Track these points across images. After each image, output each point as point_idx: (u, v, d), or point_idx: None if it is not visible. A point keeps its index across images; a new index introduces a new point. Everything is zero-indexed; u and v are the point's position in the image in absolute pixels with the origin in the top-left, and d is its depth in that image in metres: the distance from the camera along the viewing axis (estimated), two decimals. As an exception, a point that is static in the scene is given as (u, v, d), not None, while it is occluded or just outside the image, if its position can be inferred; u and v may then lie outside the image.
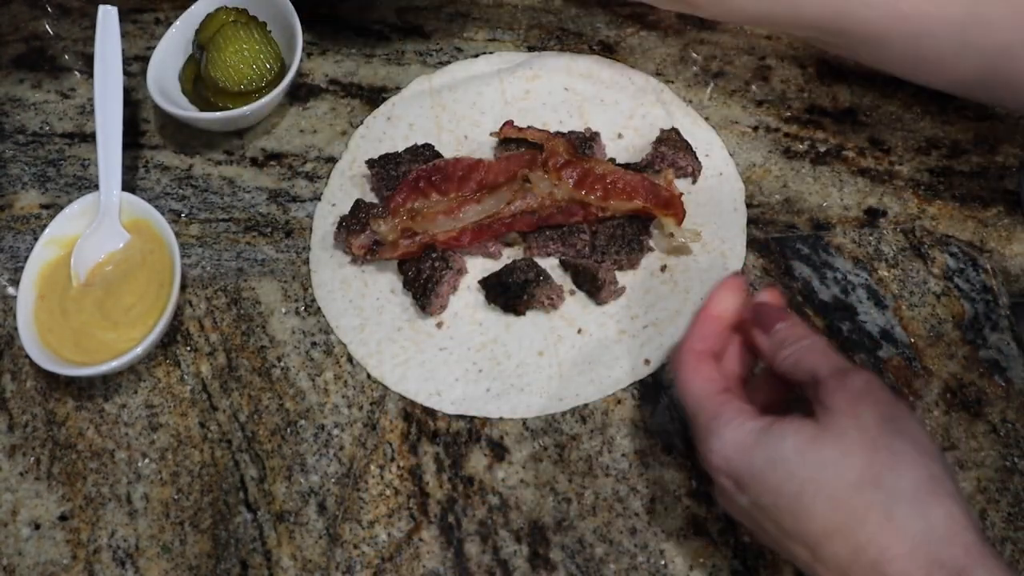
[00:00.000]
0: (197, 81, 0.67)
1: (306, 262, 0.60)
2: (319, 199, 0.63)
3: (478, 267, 0.59)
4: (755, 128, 0.64)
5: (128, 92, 0.69)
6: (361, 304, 0.58)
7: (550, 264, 0.58)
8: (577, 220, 0.57)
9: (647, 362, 0.54)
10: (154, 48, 0.66)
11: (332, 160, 0.65)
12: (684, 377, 0.44)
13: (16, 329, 0.55)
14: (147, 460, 0.54)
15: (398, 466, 0.52)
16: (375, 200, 0.61)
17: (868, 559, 0.36)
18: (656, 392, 0.54)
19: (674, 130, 0.61)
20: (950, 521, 0.36)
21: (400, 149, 0.62)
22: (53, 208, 0.64)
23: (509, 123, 0.62)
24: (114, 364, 0.53)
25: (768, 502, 0.39)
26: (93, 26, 0.63)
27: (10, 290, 0.61)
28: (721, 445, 0.40)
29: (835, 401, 0.39)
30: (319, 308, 0.58)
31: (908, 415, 0.39)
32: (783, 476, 0.38)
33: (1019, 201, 0.59)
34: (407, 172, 0.60)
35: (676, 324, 0.55)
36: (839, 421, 0.38)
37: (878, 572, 0.36)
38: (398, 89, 0.68)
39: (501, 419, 0.53)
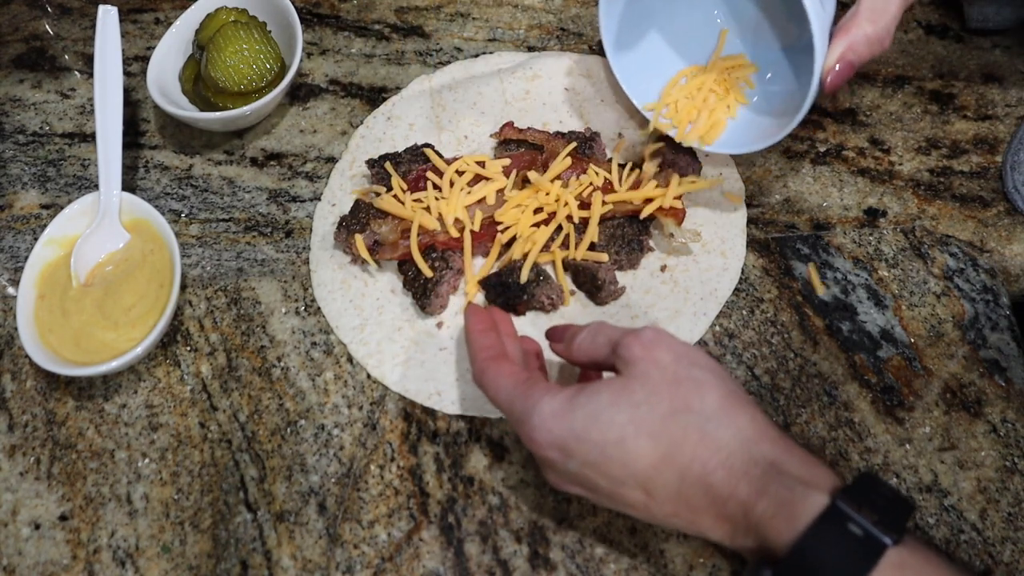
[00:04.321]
0: (197, 81, 0.67)
1: (306, 262, 0.60)
2: (319, 199, 0.63)
3: (478, 267, 0.59)
4: (755, 128, 0.64)
5: (128, 92, 0.69)
6: (361, 304, 0.58)
7: (550, 264, 0.58)
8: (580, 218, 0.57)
9: (647, 362, 0.54)
10: (154, 48, 0.66)
11: (332, 160, 0.65)
12: (488, 381, 0.46)
13: (16, 329, 0.55)
14: (147, 460, 0.54)
15: (398, 466, 0.52)
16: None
17: (694, 476, 0.40)
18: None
19: (674, 130, 0.61)
20: (754, 424, 0.41)
21: (400, 149, 0.62)
22: (53, 208, 0.64)
23: (509, 124, 0.62)
24: (114, 364, 0.53)
25: (595, 457, 0.41)
26: (93, 26, 0.63)
27: (10, 290, 0.61)
28: (541, 420, 0.42)
29: (633, 353, 0.43)
30: (319, 308, 0.58)
31: (696, 350, 0.44)
32: (604, 427, 0.41)
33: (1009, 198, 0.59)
34: (407, 172, 0.60)
35: (676, 324, 0.55)
36: (641, 368, 0.42)
37: (704, 485, 0.40)
38: (398, 89, 0.68)
39: (501, 419, 0.53)
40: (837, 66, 0.51)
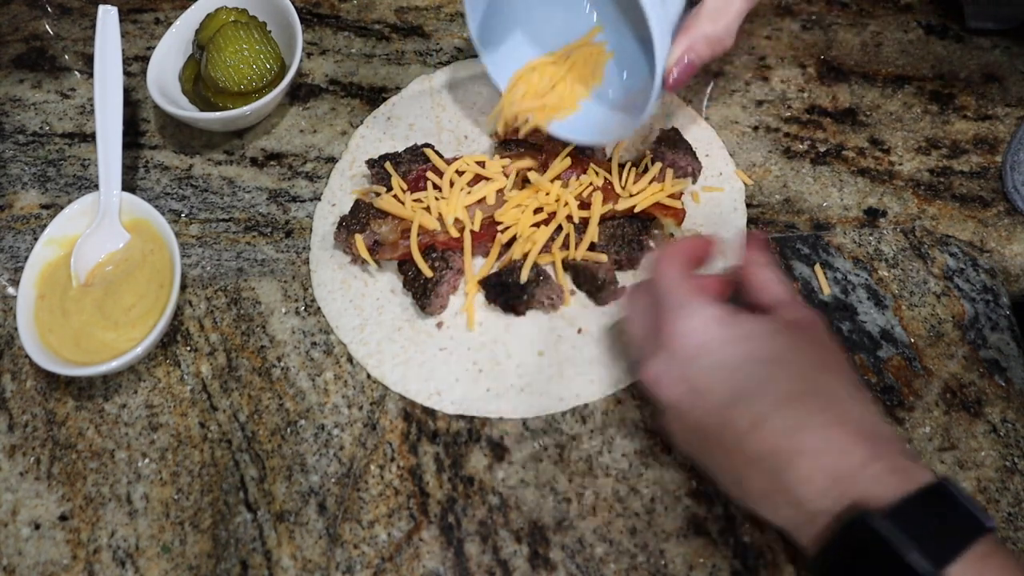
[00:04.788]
0: (197, 81, 0.67)
1: (306, 262, 0.60)
2: (319, 199, 0.63)
3: (478, 267, 0.59)
4: (755, 128, 0.64)
5: (128, 92, 0.69)
6: (361, 304, 0.58)
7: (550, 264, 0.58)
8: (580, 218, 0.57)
9: (647, 362, 0.54)
10: (154, 48, 0.66)
11: (332, 160, 0.65)
12: (662, 261, 0.47)
13: (16, 329, 0.55)
14: (147, 460, 0.54)
15: (398, 466, 0.52)
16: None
17: (816, 423, 0.40)
18: (656, 392, 0.54)
19: (674, 130, 0.61)
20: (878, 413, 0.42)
21: (400, 149, 0.62)
22: (53, 208, 0.64)
23: (509, 123, 0.62)
24: (114, 364, 0.53)
25: (734, 362, 0.42)
26: (93, 26, 0.63)
27: (10, 290, 0.61)
28: (700, 314, 0.44)
29: (801, 314, 0.45)
30: (319, 308, 0.58)
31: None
32: (757, 344, 0.43)
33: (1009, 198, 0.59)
34: (407, 172, 0.60)
35: (676, 324, 0.55)
36: (805, 324, 0.45)
37: (824, 436, 0.39)
38: (398, 89, 0.68)
39: (501, 419, 0.53)
40: (676, 69, 0.51)
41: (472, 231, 0.57)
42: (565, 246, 0.57)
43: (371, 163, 0.61)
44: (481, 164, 0.59)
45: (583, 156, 0.60)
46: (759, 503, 0.41)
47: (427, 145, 0.61)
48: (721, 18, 0.52)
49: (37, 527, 0.52)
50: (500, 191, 0.58)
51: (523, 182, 0.59)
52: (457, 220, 0.57)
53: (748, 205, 0.60)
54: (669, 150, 0.59)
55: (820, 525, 0.39)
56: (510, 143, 0.62)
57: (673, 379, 0.44)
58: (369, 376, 0.55)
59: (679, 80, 0.52)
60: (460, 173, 0.59)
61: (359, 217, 0.58)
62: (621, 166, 0.59)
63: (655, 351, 0.45)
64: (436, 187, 0.59)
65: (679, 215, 0.57)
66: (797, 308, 0.46)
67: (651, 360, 0.45)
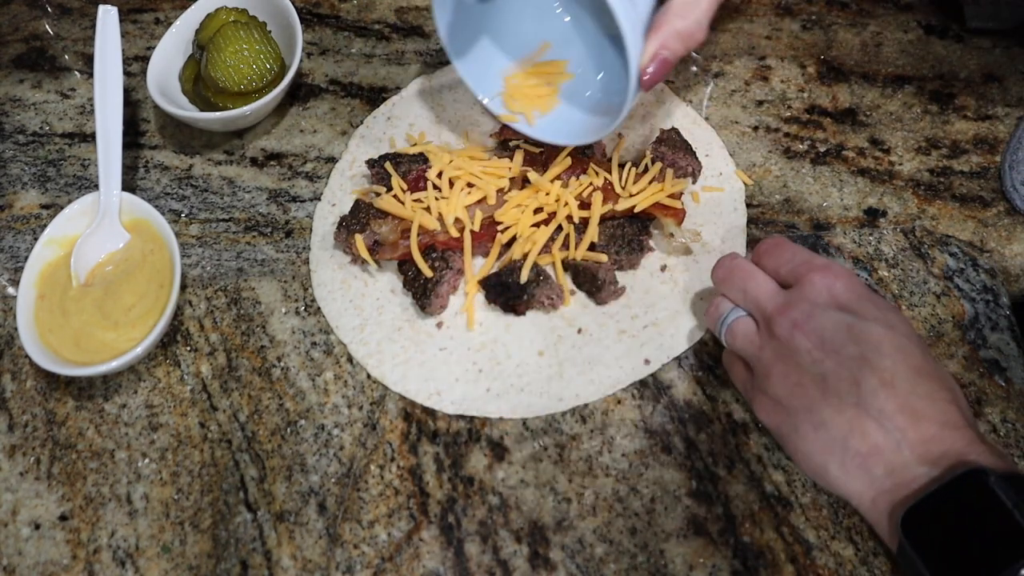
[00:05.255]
0: (197, 81, 0.67)
1: (306, 262, 0.60)
2: (319, 199, 0.63)
3: (478, 267, 0.59)
4: (755, 128, 0.64)
5: (128, 92, 0.69)
6: (361, 304, 0.58)
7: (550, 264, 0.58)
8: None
9: (647, 362, 0.54)
10: (154, 48, 0.66)
11: (332, 160, 0.65)
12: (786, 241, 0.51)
13: (16, 329, 0.55)
14: (147, 460, 0.54)
15: (398, 466, 0.52)
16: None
17: (944, 396, 0.42)
18: (656, 392, 0.53)
19: (674, 130, 0.61)
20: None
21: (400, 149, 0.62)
22: (53, 208, 0.64)
23: (509, 123, 0.62)
24: (114, 364, 0.53)
25: (866, 312, 0.45)
26: (93, 26, 0.63)
27: (10, 290, 0.61)
28: (840, 266, 0.47)
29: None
30: (319, 308, 0.58)
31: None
32: (883, 304, 0.46)
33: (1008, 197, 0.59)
34: (407, 172, 0.60)
35: (676, 324, 0.55)
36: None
37: (941, 410, 0.42)
38: (398, 89, 0.68)
39: (501, 419, 0.53)
40: (651, 66, 0.51)
41: (472, 231, 0.57)
42: (565, 246, 0.57)
43: (371, 163, 0.61)
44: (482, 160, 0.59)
45: (583, 156, 0.60)
46: (850, 463, 0.43)
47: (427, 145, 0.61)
48: (691, 13, 0.52)
49: (37, 527, 0.52)
50: (500, 191, 0.58)
51: (523, 182, 0.59)
52: (457, 220, 0.57)
53: (748, 205, 0.60)
54: (669, 150, 0.59)
55: (919, 484, 0.40)
56: (510, 143, 0.62)
57: (809, 328, 0.45)
58: (369, 376, 0.55)
59: (654, 77, 0.52)
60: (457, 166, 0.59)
61: (359, 217, 0.58)
62: (621, 166, 0.59)
63: (789, 302, 0.46)
64: (436, 187, 0.59)
65: (679, 215, 0.57)
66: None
67: (786, 310, 0.46)
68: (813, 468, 0.44)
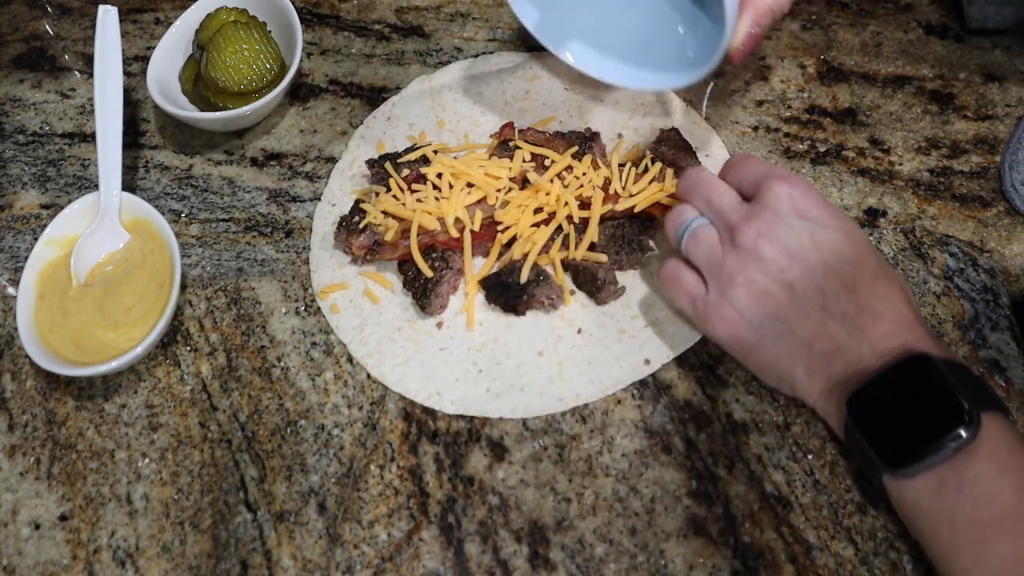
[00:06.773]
0: (197, 81, 0.67)
1: (306, 262, 0.60)
2: (319, 199, 0.63)
3: (478, 267, 0.59)
4: (755, 128, 0.64)
5: (128, 92, 0.69)
6: (361, 304, 0.58)
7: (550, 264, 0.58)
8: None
9: (647, 362, 0.54)
10: (154, 48, 0.66)
11: (332, 160, 0.65)
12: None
13: (16, 329, 0.55)
14: (147, 460, 0.54)
15: (398, 466, 0.52)
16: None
17: (901, 297, 0.46)
18: (656, 392, 0.53)
19: (674, 130, 0.61)
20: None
21: (400, 149, 0.62)
22: (53, 208, 0.64)
23: (509, 124, 0.62)
24: (114, 364, 0.53)
25: (819, 219, 0.47)
26: (93, 26, 0.63)
27: (10, 290, 0.61)
28: (797, 178, 0.49)
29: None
30: (319, 308, 0.58)
31: None
32: (836, 211, 0.48)
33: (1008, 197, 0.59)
34: (409, 169, 0.60)
35: (676, 324, 0.55)
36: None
37: (901, 307, 0.46)
38: (398, 89, 0.68)
39: (501, 419, 0.53)
40: (744, 41, 0.52)
41: (472, 231, 0.57)
42: (565, 246, 0.57)
43: (371, 163, 0.61)
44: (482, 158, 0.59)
45: (583, 155, 0.59)
46: (816, 364, 0.46)
47: (427, 145, 0.61)
48: None
49: (37, 527, 0.52)
50: (500, 191, 0.58)
51: (523, 182, 0.59)
52: (457, 220, 0.57)
53: (748, 205, 0.60)
54: (669, 150, 0.59)
55: (870, 372, 0.44)
56: (510, 143, 0.62)
57: (773, 237, 0.47)
58: (369, 376, 0.55)
59: (744, 54, 0.53)
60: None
61: (359, 217, 0.58)
62: (621, 166, 0.59)
63: (752, 212, 0.48)
64: (436, 187, 0.59)
65: (679, 215, 0.57)
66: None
67: (749, 220, 0.48)
68: (779, 374, 0.47)
